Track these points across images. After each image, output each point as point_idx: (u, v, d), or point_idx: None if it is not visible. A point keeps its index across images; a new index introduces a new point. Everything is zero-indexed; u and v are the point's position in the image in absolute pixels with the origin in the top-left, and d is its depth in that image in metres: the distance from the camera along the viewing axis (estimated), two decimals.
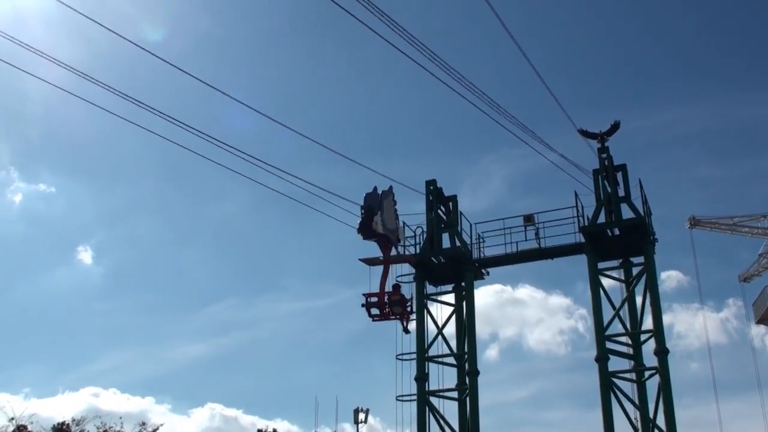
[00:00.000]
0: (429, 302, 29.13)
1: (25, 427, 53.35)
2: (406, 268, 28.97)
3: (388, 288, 25.09)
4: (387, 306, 24.42)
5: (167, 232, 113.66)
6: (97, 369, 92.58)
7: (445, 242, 28.94)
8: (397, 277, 28.76)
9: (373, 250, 26.00)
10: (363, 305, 24.66)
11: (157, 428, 58.76)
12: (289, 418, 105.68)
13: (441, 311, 29.20)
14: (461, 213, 29.44)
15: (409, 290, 26.44)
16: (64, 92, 15.38)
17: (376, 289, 25.43)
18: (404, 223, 27.56)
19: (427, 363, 27.76)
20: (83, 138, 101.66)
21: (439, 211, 29.18)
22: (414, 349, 27.66)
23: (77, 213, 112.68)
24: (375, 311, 24.52)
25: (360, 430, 51.26)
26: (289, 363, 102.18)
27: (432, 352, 28.15)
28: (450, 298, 29.52)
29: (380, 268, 26.01)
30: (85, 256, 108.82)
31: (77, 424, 54.78)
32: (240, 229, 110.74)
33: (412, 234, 28.88)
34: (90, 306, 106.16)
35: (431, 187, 29.39)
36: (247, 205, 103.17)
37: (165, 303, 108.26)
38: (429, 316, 28.67)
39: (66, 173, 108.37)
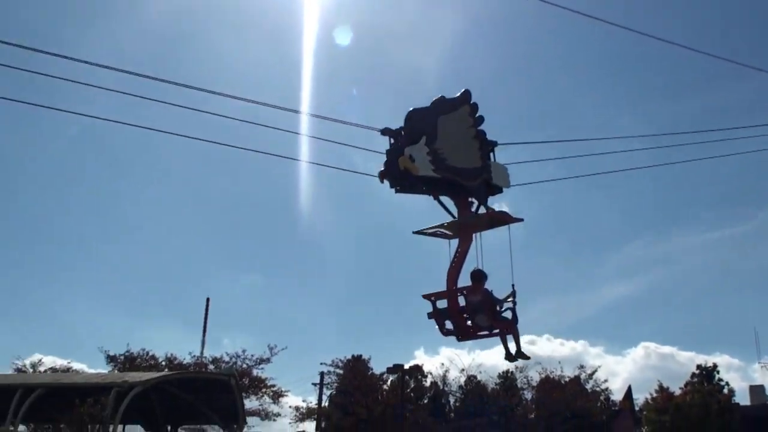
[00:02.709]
0: None
1: (474, 377, 57.75)
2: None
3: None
4: (465, 315, 13.64)
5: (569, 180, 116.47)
6: (529, 317, 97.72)
7: None
8: None
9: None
10: (429, 315, 13.88)
11: (596, 370, 60.10)
12: (729, 351, 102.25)
13: None
14: None
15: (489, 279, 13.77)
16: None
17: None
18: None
19: None
20: None
21: None
22: None
23: None
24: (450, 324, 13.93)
25: None
26: (717, 295, 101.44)
27: None
28: None
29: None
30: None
31: (521, 372, 57.91)
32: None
33: None
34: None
35: None
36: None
37: (580, 248, 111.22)
38: None
39: None
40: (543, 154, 17.77)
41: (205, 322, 67.21)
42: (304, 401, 60.63)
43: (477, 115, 13.68)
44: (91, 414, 31.69)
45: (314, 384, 56.01)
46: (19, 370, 52.09)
